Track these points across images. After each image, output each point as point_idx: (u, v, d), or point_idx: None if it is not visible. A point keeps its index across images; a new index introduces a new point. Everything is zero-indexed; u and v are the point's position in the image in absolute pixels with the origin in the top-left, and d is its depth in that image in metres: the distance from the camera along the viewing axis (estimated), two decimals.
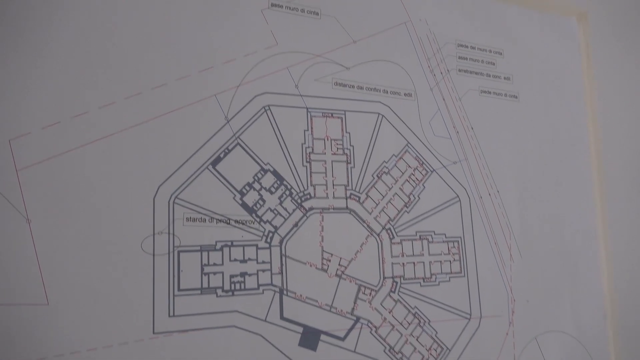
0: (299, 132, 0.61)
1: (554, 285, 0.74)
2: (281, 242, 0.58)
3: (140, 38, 0.55)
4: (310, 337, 0.57)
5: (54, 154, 0.50)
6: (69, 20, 0.52)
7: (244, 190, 0.57)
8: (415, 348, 0.62)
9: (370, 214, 0.63)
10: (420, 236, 0.65)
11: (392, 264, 0.63)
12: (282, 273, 0.57)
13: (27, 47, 0.50)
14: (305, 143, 0.61)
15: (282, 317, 0.56)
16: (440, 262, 0.66)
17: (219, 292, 0.54)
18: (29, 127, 0.49)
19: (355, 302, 0.60)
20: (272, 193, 0.58)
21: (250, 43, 0.60)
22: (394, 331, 0.62)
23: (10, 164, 0.48)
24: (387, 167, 0.65)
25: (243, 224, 0.56)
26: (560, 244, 0.76)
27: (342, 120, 0.64)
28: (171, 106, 0.55)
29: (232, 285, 0.54)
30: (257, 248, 0.56)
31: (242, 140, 0.58)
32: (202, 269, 0.54)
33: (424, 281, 0.64)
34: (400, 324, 0.62)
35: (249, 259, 0.56)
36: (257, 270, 0.56)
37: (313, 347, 0.57)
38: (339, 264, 0.60)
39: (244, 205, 0.57)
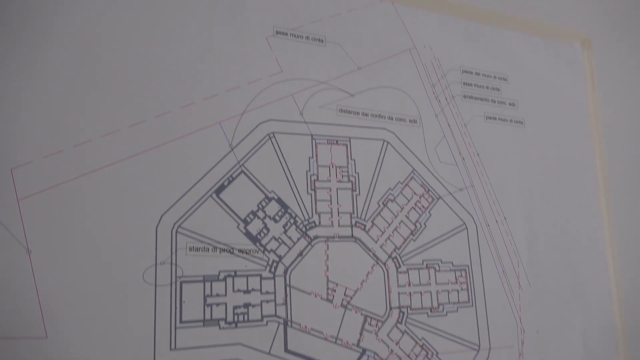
0: (303, 159, 0.60)
1: (564, 314, 0.72)
2: (285, 271, 0.56)
3: (144, 66, 0.54)
4: None
5: (55, 183, 0.49)
6: (73, 48, 0.52)
7: (248, 219, 0.56)
8: None
9: (376, 242, 0.62)
10: (427, 265, 0.64)
11: (399, 293, 0.62)
12: (286, 304, 0.55)
13: (30, 74, 0.50)
14: (310, 170, 0.60)
15: (286, 350, 0.55)
16: (448, 291, 0.64)
17: (222, 323, 0.52)
18: (31, 156, 0.49)
19: (361, 334, 0.59)
20: (276, 221, 0.57)
21: (255, 70, 0.60)
22: None
23: (11, 193, 0.47)
24: (392, 195, 0.64)
25: (247, 253, 0.55)
26: (569, 272, 0.74)
27: (347, 147, 0.63)
28: (175, 134, 0.54)
29: (236, 317, 0.53)
30: (261, 278, 0.55)
31: (246, 168, 0.57)
32: (205, 300, 0.52)
33: (431, 311, 0.63)
34: (408, 356, 0.60)
35: (253, 290, 0.55)
36: (261, 301, 0.55)
37: None
38: (345, 294, 0.59)
39: (247, 234, 0.56)
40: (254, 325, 0.54)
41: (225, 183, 0.56)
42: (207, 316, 0.52)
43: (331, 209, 0.61)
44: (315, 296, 0.57)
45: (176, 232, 0.53)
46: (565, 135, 0.80)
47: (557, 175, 0.77)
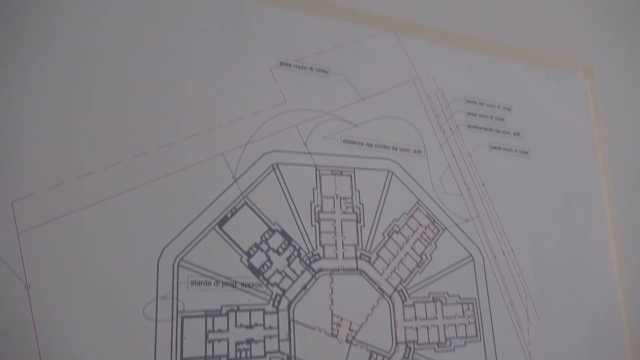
0: (307, 190, 0.60)
1: (574, 349, 0.70)
2: (289, 305, 0.55)
3: (148, 97, 0.54)
4: None
5: (56, 216, 0.48)
6: (75, 77, 0.52)
7: (251, 252, 0.55)
8: None
9: (382, 275, 0.61)
10: (433, 298, 0.63)
11: (405, 328, 0.60)
12: (290, 339, 0.54)
13: (32, 105, 0.50)
14: (314, 202, 0.60)
15: None
16: (455, 325, 0.63)
17: None
18: (33, 188, 0.48)
19: None
20: (280, 254, 0.56)
21: (259, 101, 0.60)
22: None
23: (11, 226, 0.47)
24: (397, 226, 0.63)
25: (250, 287, 0.54)
26: (579, 304, 0.73)
27: (351, 178, 0.62)
28: (178, 165, 0.54)
29: (238, 353, 0.52)
30: (264, 312, 0.54)
31: (249, 200, 0.56)
32: (207, 336, 0.51)
33: (438, 346, 0.61)
34: None
35: (256, 325, 0.53)
36: (264, 337, 0.53)
37: None
38: (350, 329, 0.57)
39: (250, 267, 0.55)
40: None
41: (229, 215, 0.55)
42: (209, 352, 0.51)
43: (335, 241, 0.60)
44: (320, 331, 0.56)
45: (178, 265, 0.52)
46: (570, 164, 0.79)
47: (564, 204, 0.76)
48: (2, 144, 0.48)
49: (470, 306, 0.64)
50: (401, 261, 0.62)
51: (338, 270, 0.59)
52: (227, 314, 0.52)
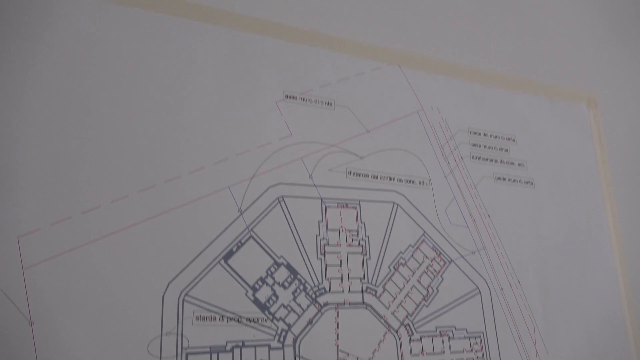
0: (313, 223, 0.59)
1: None
2: (295, 341, 0.54)
3: (154, 130, 0.55)
4: None
5: (62, 251, 0.48)
6: (82, 112, 0.52)
7: (257, 286, 0.55)
8: None
9: (388, 308, 0.60)
10: (440, 332, 0.62)
11: None
12: None
13: (39, 139, 0.50)
14: (319, 234, 0.59)
15: None
16: None
17: None
18: (39, 223, 0.48)
19: None
20: (285, 288, 0.56)
21: (265, 134, 0.60)
22: None
23: (17, 262, 0.46)
24: (403, 258, 0.63)
25: (255, 322, 0.53)
26: (587, 337, 0.72)
27: (356, 211, 0.62)
28: (184, 199, 0.54)
29: None
30: (270, 348, 0.53)
31: (255, 233, 0.56)
32: None
33: None
34: None
35: None
36: None
37: None
38: None
39: (256, 301, 0.54)
40: None
41: (234, 249, 0.55)
42: None
43: (341, 274, 0.59)
44: None
45: (183, 300, 0.51)
46: (575, 194, 0.79)
47: (570, 235, 0.76)
48: (9, 179, 0.48)
49: (478, 340, 0.64)
50: (407, 294, 0.62)
51: (344, 304, 0.58)
52: (232, 350, 0.52)
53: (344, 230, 0.61)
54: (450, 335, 0.62)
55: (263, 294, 0.55)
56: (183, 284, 0.52)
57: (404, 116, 0.70)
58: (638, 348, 0.75)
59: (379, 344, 0.58)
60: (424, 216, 0.66)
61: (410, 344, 0.60)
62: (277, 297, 0.55)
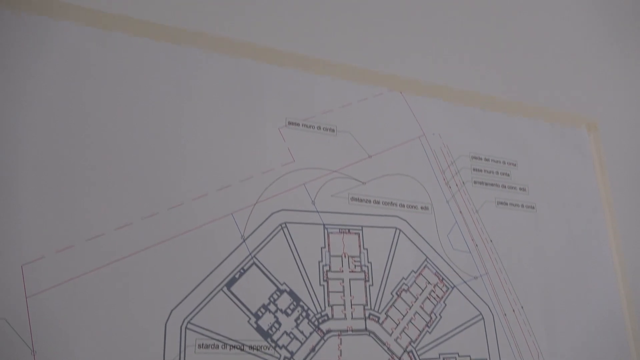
0: (315, 249, 0.60)
1: None
2: None
3: (158, 158, 0.55)
4: None
5: (66, 279, 0.48)
6: (85, 139, 0.53)
7: (259, 313, 0.54)
8: None
9: (391, 335, 0.60)
10: (444, 359, 0.61)
11: None
12: None
13: (42, 167, 0.50)
14: (322, 261, 0.59)
15: None
16: None
17: None
18: (43, 251, 0.48)
19: None
20: (288, 315, 0.56)
21: (268, 160, 0.61)
22: None
23: (20, 291, 0.46)
24: (406, 284, 0.63)
25: (258, 349, 0.53)
26: None
27: (359, 236, 0.62)
28: (187, 226, 0.54)
29: None
30: None
31: (257, 260, 0.56)
32: None
33: None
34: None
35: None
36: None
37: None
38: None
39: (258, 329, 0.54)
40: None
41: (237, 276, 0.55)
42: None
43: (344, 300, 0.59)
44: None
45: (186, 328, 0.51)
46: (577, 218, 0.79)
47: (573, 259, 0.76)
48: (13, 207, 0.48)
49: None
50: (410, 321, 0.62)
51: (347, 331, 0.58)
52: None
53: (347, 257, 0.61)
54: None
55: (266, 321, 0.54)
56: (186, 311, 0.51)
57: (406, 142, 0.70)
58: None
59: None
60: (426, 241, 0.66)
61: None
62: (279, 324, 0.55)
